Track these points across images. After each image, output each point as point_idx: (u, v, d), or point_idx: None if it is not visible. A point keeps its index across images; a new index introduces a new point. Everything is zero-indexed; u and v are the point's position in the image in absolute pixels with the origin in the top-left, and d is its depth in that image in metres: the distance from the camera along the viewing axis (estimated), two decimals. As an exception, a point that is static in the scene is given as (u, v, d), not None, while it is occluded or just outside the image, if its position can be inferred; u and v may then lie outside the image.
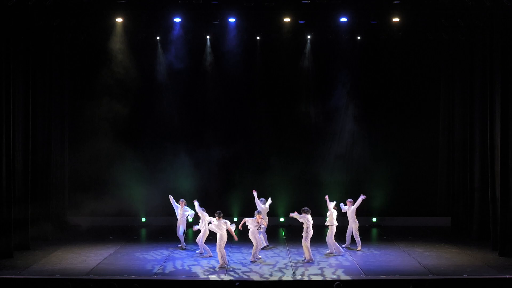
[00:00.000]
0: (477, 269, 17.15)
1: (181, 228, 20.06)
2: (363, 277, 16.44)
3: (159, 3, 20.72)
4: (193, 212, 19.91)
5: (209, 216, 18.77)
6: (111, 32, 22.98)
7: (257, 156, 24.77)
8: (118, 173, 24.12)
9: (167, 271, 17.07)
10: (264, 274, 16.77)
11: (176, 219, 20.29)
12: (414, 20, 22.16)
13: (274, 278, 16.37)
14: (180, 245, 20.10)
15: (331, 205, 19.51)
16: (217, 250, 17.69)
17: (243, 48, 24.24)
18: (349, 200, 20.13)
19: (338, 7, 20.80)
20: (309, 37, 24.65)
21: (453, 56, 24.08)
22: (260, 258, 18.49)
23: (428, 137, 25.14)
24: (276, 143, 24.86)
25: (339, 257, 18.79)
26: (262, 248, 19.21)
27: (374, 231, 23.98)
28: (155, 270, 17.14)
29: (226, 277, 16.33)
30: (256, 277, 16.41)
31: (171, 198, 20.42)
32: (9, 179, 18.43)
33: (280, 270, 17.25)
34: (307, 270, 17.19)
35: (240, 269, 17.32)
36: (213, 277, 16.41)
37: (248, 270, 17.25)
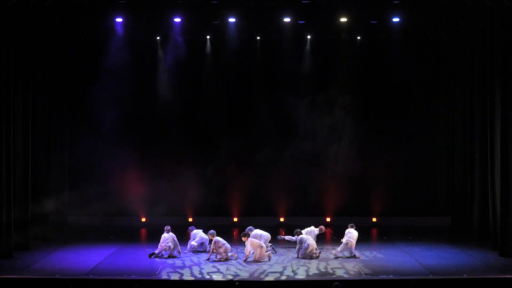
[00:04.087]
0: (477, 269, 17.15)
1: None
2: (363, 277, 16.44)
3: (159, 3, 20.72)
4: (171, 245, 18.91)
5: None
6: (111, 32, 22.98)
7: (257, 156, 24.72)
8: (118, 173, 24.14)
9: (167, 271, 17.06)
10: (264, 274, 16.76)
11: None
12: (414, 20, 22.17)
13: (274, 278, 16.37)
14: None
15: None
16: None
17: (243, 48, 24.28)
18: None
19: (338, 7, 20.80)
20: (309, 37, 24.65)
21: (453, 56, 24.08)
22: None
23: (428, 136, 25.14)
24: (276, 143, 24.82)
25: (339, 257, 18.78)
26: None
27: (374, 231, 23.97)
28: (155, 270, 17.13)
29: (226, 277, 16.33)
30: (256, 277, 16.40)
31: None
32: (9, 179, 18.43)
33: (279, 270, 17.24)
34: (307, 270, 17.19)
35: (240, 269, 17.33)
36: (213, 277, 16.41)
37: (248, 270, 17.25)
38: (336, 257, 18.70)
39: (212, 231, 18.90)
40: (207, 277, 16.45)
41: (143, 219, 24.56)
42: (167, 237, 18.84)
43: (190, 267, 17.55)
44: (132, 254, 19.32)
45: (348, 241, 18.79)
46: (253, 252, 18.33)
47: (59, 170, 23.19)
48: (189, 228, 20.30)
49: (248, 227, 19.25)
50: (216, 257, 18.41)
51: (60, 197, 23.05)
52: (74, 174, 24.63)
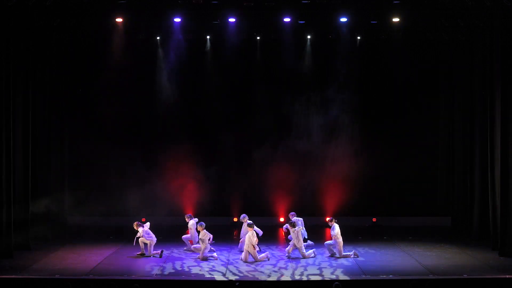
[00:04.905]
0: (477, 269, 17.17)
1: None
2: (363, 277, 16.45)
3: (159, 3, 20.73)
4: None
5: None
6: (111, 32, 22.98)
7: (258, 156, 24.71)
8: (118, 172, 24.14)
9: (167, 271, 17.08)
10: (264, 274, 16.77)
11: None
12: (414, 20, 22.16)
13: (274, 278, 16.37)
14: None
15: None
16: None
17: (243, 48, 24.27)
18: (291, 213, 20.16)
19: (338, 7, 20.81)
20: (309, 37, 24.65)
21: (453, 56, 24.08)
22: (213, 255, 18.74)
23: (428, 136, 25.12)
24: (277, 143, 24.81)
25: (337, 257, 18.79)
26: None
27: (374, 231, 23.95)
28: (155, 271, 17.14)
29: (226, 277, 16.34)
30: (256, 277, 16.41)
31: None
32: (9, 179, 18.43)
33: (279, 270, 17.25)
34: (307, 270, 17.20)
35: (240, 269, 17.33)
36: (213, 277, 16.41)
37: (248, 270, 17.26)
38: (334, 257, 18.73)
39: (201, 223, 18.92)
40: (207, 276, 16.49)
41: (143, 219, 24.52)
42: (147, 230, 19.22)
43: (190, 267, 17.59)
44: (132, 254, 19.31)
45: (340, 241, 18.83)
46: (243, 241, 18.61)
47: (59, 170, 23.18)
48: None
49: (242, 215, 19.44)
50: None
51: (60, 197, 23.03)
52: (74, 174, 24.62)
